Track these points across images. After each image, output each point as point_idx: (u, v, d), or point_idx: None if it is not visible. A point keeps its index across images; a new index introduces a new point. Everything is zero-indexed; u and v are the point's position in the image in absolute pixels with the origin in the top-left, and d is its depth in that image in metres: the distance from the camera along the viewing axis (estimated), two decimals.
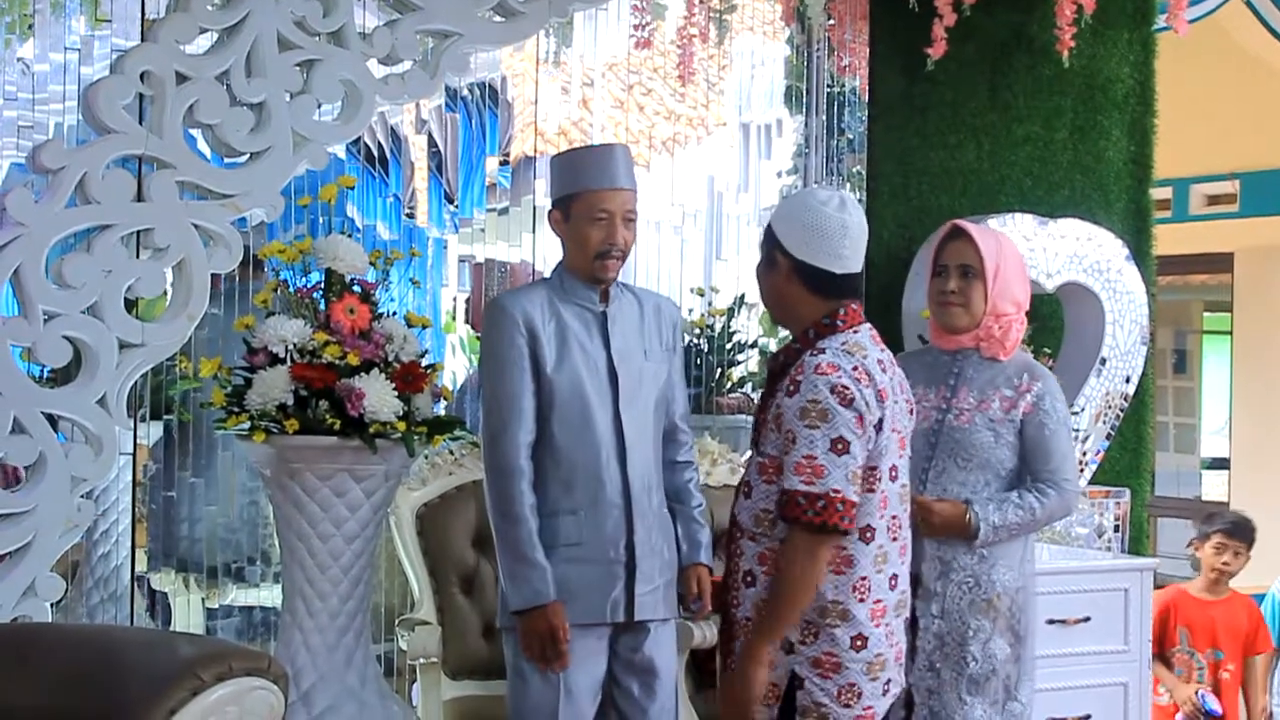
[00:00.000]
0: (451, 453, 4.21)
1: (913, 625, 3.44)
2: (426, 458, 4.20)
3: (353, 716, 3.74)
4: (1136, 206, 5.63)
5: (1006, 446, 3.47)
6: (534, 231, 4.89)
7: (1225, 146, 8.19)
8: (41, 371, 3.83)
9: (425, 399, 3.83)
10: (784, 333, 3.28)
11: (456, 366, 4.92)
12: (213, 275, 3.80)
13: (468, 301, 4.91)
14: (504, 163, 4.95)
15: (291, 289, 3.82)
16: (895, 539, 2.96)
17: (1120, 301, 5.19)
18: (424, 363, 3.88)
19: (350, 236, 3.99)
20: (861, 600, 2.91)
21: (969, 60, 5.30)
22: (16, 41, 4.17)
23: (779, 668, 2.95)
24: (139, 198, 3.72)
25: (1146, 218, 5.65)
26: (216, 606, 4.42)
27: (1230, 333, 9.23)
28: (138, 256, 3.76)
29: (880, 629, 2.94)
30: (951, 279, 3.50)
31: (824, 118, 5.36)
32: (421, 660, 4.00)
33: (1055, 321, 5.30)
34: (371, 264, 3.90)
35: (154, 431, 4.33)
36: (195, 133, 3.86)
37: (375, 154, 4.72)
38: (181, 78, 3.73)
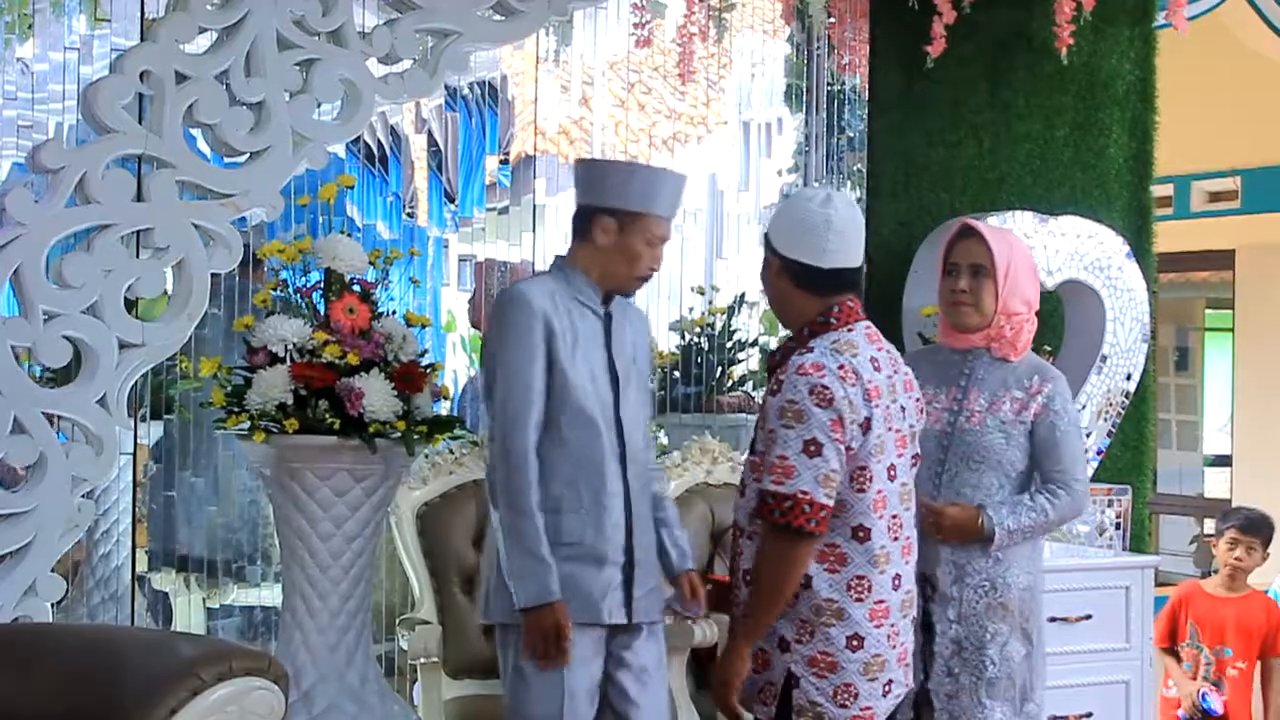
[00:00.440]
0: (452, 452, 4.21)
1: (927, 629, 3.45)
2: (426, 457, 4.20)
3: (353, 716, 3.74)
4: (1137, 204, 5.63)
5: (1018, 448, 3.46)
6: (534, 230, 4.89)
7: (1226, 143, 8.19)
8: (41, 371, 3.83)
9: (425, 398, 3.83)
10: (785, 331, 3.27)
11: (457, 366, 4.91)
12: (213, 275, 3.80)
13: (470, 302, 4.91)
14: (504, 162, 4.95)
15: (291, 288, 3.82)
16: (897, 538, 2.95)
17: (1121, 299, 5.19)
18: (424, 362, 3.88)
19: (350, 236, 4.00)
20: (859, 600, 2.91)
21: (969, 58, 5.29)
22: (16, 41, 4.18)
23: (775, 666, 2.95)
24: (139, 197, 3.71)
25: (1147, 215, 5.65)
26: (217, 606, 4.42)
27: (1232, 330, 9.22)
28: (138, 256, 3.76)
29: (881, 629, 2.93)
30: (962, 278, 3.49)
31: (824, 116, 5.37)
32: (422, 660, 4.00)
33: (1056, 319, 5.30)
34: (371, 263, 3.90)
35: (154, 431, 4.34)
36: (195, 132, 3.86)
37: (375, 153, 4.73)
38: (181, 77, 3.73)
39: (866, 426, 2.88)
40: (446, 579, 4.10)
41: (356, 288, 3.83)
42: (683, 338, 5.20)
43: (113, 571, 4.23)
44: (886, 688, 2.95)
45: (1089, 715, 4.47)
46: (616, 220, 3.27)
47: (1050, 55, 5.13)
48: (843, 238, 2.98)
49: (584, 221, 3.31)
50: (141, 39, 3.96)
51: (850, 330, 2.97)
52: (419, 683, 4.13)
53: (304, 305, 3.82)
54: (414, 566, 4.12)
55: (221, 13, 3.78)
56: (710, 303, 5.22)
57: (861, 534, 2.90)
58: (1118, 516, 5.15)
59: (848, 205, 3.03)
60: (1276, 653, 5.15)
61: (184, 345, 3.89)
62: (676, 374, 5.15)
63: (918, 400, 3.09)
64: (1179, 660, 5.19)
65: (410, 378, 3.77)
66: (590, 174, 3.35)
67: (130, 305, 3.75)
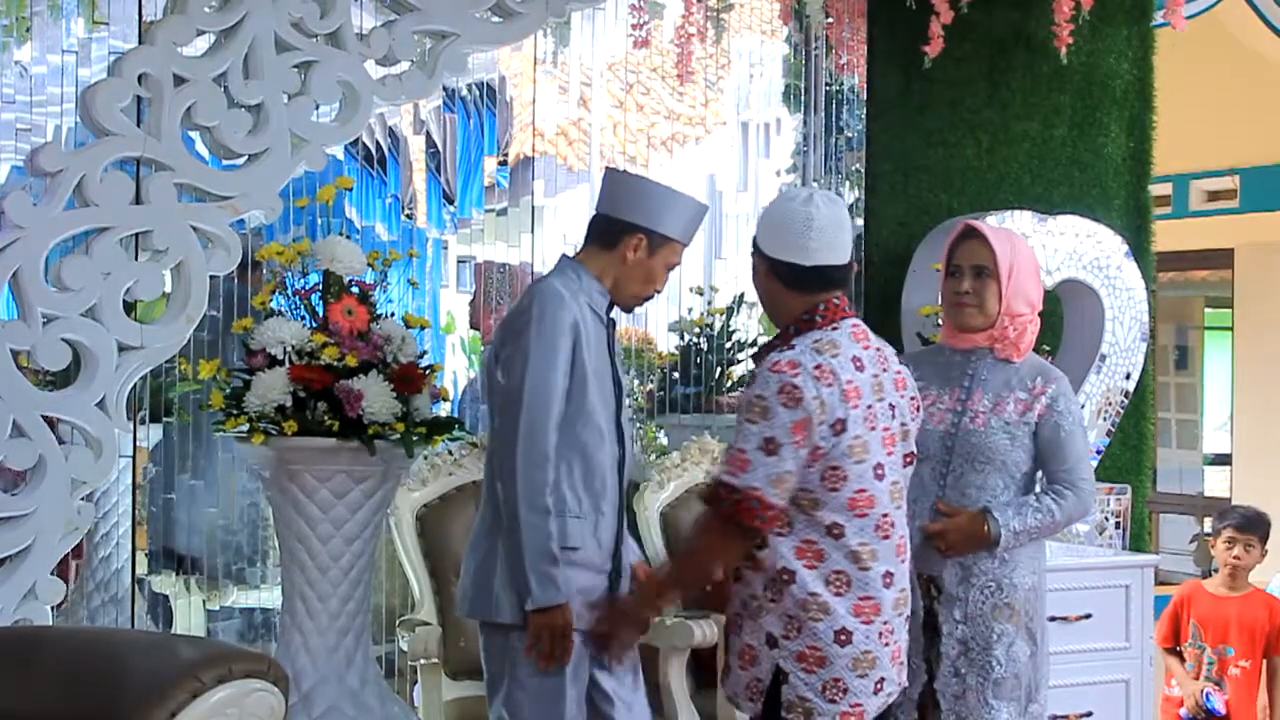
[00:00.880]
0: (451, 453, 4.22)
1: (933, 630, 3.45)
2: (426, 458, 4.20)
3: (353, 718, 3.75)
4: (1136, 203, 5.63)
5: (1022, 449, 3.46)
6: (532, 231, 4.89)
7: (1225, 142, 8.19)
8: (41, 374, 3.83)
9: (424, 400, 3.83)
10: None
11: (456, 367, 4.91)
12: (211, 277, 3.80)
13: (470, 304, 4.91)
14: (502, 163, 4.95)
15: (290, 291, 3.83)
16: (888, 537, 2.94)
17: (1120, 298, 5.19)
18: (422, 364, 3.88)
19: (349, 237, 4.00)
20: (839, 594, 2.90)
21: (967, 57, 5.30)
22: (14, 44, 4.18)
23: (762, 662, 2.95)
24: (137, 200, 3.72)
25: (1146, 214, 5.66)
26: (217, 608, 4.42)
27: (1231, 328, 9.22)
28: (136, 259, 3.76)
29: (871, 626, 2.92)
30: (965, 279, 3.49)
31: (822, 116, 5.37)
32: (422, 661, 4.01)
33: (1055, 319, 5.30)
34: (370, 265, 3.90)
35: (154, 434, 4.33)
36: (193, 135, 3.86)
37: (373, 155, 4.72)
38: (179, 80, 3.74)
39: (841, 428, 2.87)
40: (446, 580, 4.10)
41: (355, 289, 3.83)
42: (682, 338, 5.20)
43: (112, 574, 4.23)
44: (878, 685, 2.94)
45: (1089, 714, 4.48)
46: (649, 240, 3.28)
47: (1048, 55, 5.14)
48: (825, 235, 2.97)
49: (612, 233, 3.29)
50: (139, 42, 3.96)
51: (835, 329, 2.96)
52: (419, 684, 4.13)
53: (303, 307, 3.83)
54: (413, 568, 4.12)
55: (219, 15, 3.78)
56: (709, 303, 5.22)
57: (835, 531, 2.90)
58: (1117, 515, 5.15)
59: (830, 203, 3.02)
60: (1278, 652, 5.15)
61: (183, 347, 3.89)
62: (675, 374, 5.16)
63: (913, 398, 3.08)
64: (1182, 660, 5.19)
65: (409, 379, 3.77)
66: (628, 189, 3.33)
67: (129, 308, 3.76)
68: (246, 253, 3.92)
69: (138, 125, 3.72)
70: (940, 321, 3.78)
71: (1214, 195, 8.65)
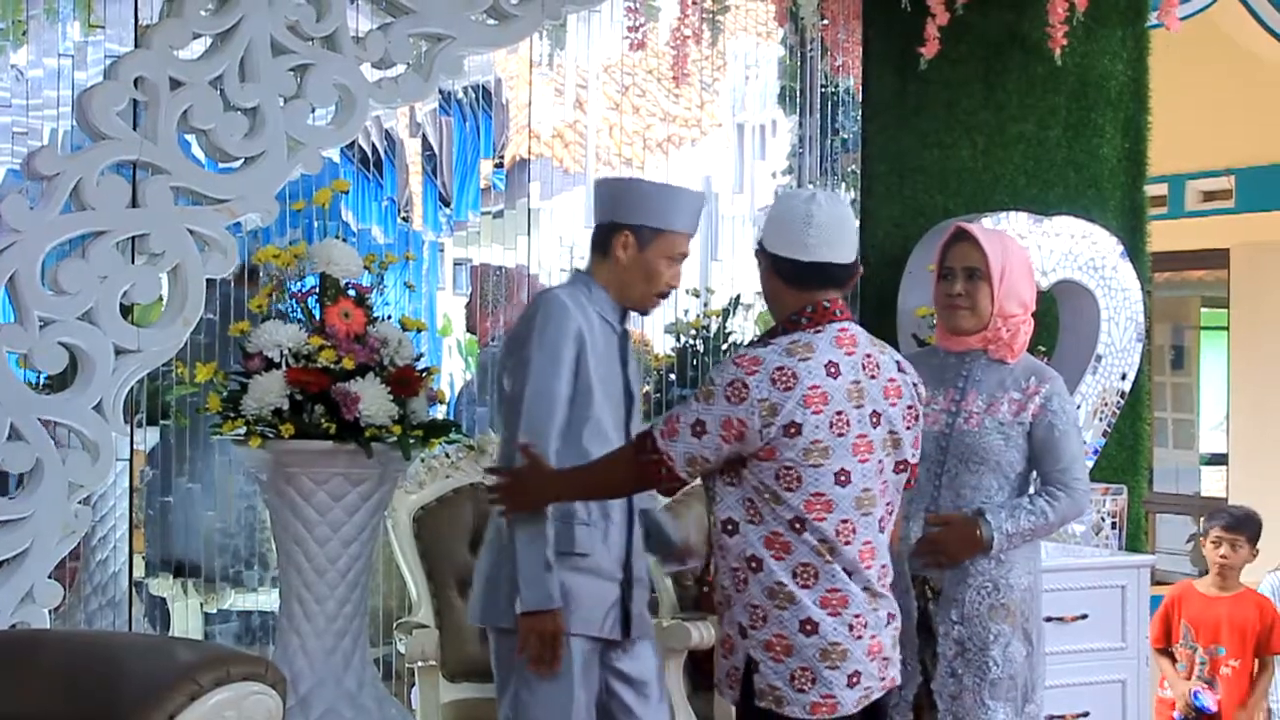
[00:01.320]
0: (448, 455, 4.22)
1: (929, 631, 3.46)
2: (423, 461, 4.20)
3: None
4: (1131, 203, 5.64)
5: (1016, 449, 3.47)
6: (529, 234, 4.89)
7: (1221, 142, 8.20)
8: (38, 378, 3.83)
9: (421, 402, 3.84)
10: None
11: (452, 369, 4.91)
12: (208, 280, 3.80)
13: (466, 307, 4.91)
14: (498, 165, 4.94)
15: (287, 294, 3.83)
16: (849, 543, 2.93)
17: (1115, 298, 5.20)
18: (419, 366, 3.88)
19: (345, 240, 4.00)
20: (805, 586, 2.90)
21: (962, 59, 5.31)
22: (10, 48, 4.17)
23: (737, 652, 2.97)
24: (134, 203, 3.72)
25: (1141, 214, 5.67)
26: (214, 611, 4.42)
27: (1227, 328, 9.23)
28: (133, 262, 3.77)
29: (839, 619, 2.90)
30: (957, 282, 3.50)
31: (818, 118, 5.37)
32: (420, 663, 4.01)
33: (1050, 319, 5.31)
34: (366, 268, 3.90)
35: (150, 437, 4.33)
36: (189, 138, 3.86)
37: (370, 158, 4.72)
38: (175, 83, 3.74)
39: (795, 431, 2.87)
40: (443, 582, 4.10)
41: (352, 292, 3.84)
42: (678, 340, 5.20)
43: (110, 577, 4.23)
44: (852, 679, 2.91)
45: (1085, 715, 4.48)
46: (636, 236, 3.28)
47: (1043, 56, 5.15)
48: (824, 231, 2.97)
49: (604, 238, 3.32)
50: (135, 45, 3.97)
51: (818, 332, 2.95)
52: (416, 686, 4.13)
53: (299, 310, 3.83)
54: (411, 570, 4.13)
55: (215, 18, 3.79)
56: (705, 305, 5.22)
57: (798, 525, 2.90)
58: (1113, 516, 5.16)
59: (834, 203, 3.02)
60: (1270, 650, 5.16)
61: (180, 350, 3.90)
62: (672, 376, 5.16)
63: (909, 406, 3.03)
64: (1174, 661, 5.20)
65: (406, 382, 3.78)
66: (610, 192, 3.37)
67: (126, 311, 3.76)
68: (243, 256, 3.92)
69: (134, 129, 3.72)
70: (935, 323, 3.79)
71: (1209, 195, 8.66)
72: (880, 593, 2.98)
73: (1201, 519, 5.44)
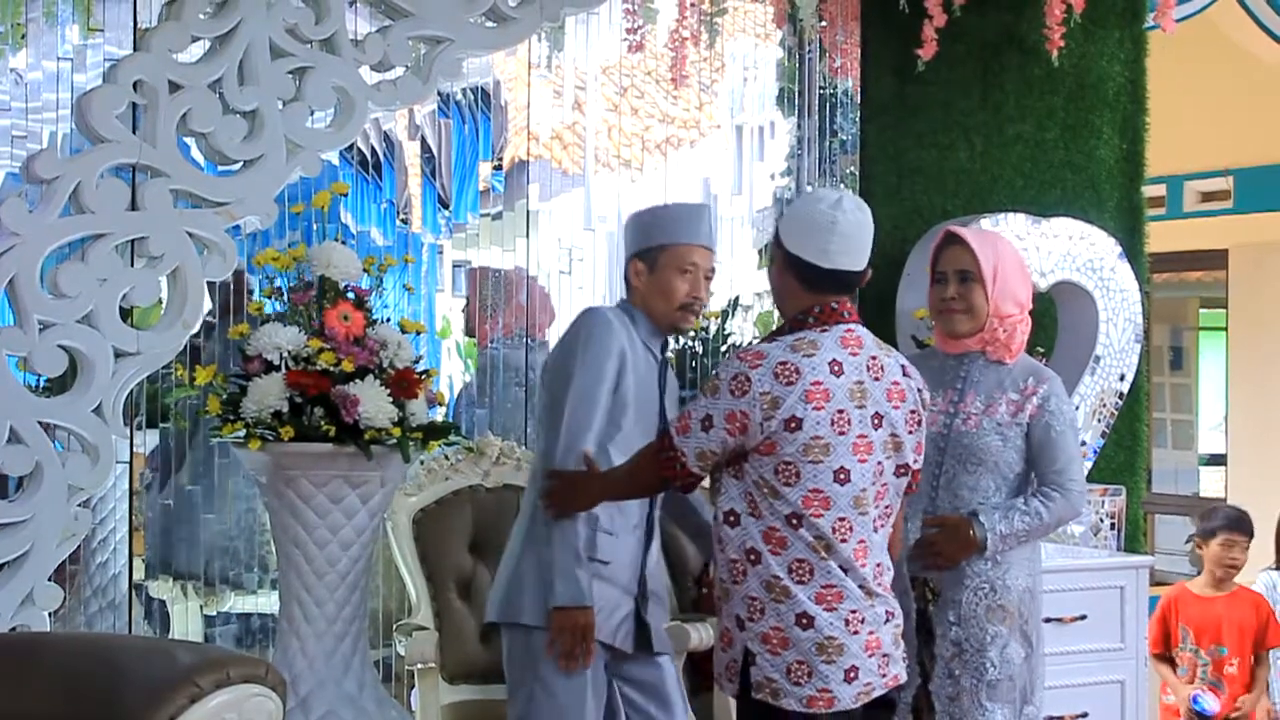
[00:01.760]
0: (447, 458, 4.22)
1: (927, 632, 3.46)
2: (422, 463, 4.21)
3: None
4: (1129, 204, 5.65)
5: (1014, 450, 3.47)
6: (527, 236, 4.90)
7: (1219, 143, 8.20)
8: (38, 381, 3.83)
9: (420, 405, 3.84)
10: None
11: (452, 371, 4.92)
12: (208, 283, 3.81)
13: (464, 311, 4.91)
14: (497, 167, 4.95)
15: (286, 296, 3.83)
16: (845, 540, 2.94)
17: (1114, 299, 5.21)
18: (419, 368, 3.89)
19: (345, 243, 4.00)
20: (801, 581, 2.92)
21: (960, 61, 5.32)
22: (9, 51, 4.17)
23: (735, 644, 3.00)
24: (133, 206, 3.73)
25: (1139, 215, 5.67)
26: (214, 614, 4.42)
27: (1225, 329, 9.24)
28: (132, 265, 3.77)
29: (835, 614, 2.92)
30: (951, 285, 3.51)
31: (816, 119, 5.38)
32: (419, 665, 4.01)
33: (1049, 320, 5.31)
34: (365, 270, 3.91)
35: (150, 440, 4.34)
36: (189, 141, 3.86)
37: (369, 160, 4.73)
38: (174, 86, 3.75)
39: (796, 425, 2.89)
40: (443, 585, 4.10)
41: (351, 295, 3.84)
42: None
43: (110, 580, 4.23)
44: (849, 674, 2.93)
45: (1084, 715, 4.48)
46: (644, 261, 3.41)
47: (1041, 57, 5.16)
48: (847, 240, 3.01)
49: (625, 274, 3.47)
50: (134, 48, 3.97)
51: (824, 331, 2.99)
52: (416, 688, 4.13)
53: (299, 313, 3.83)
54: (410, 572, 4.13)
55: (214, 21, 3.79)
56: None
57: (795, 521, 2.92)
58: (1112, 516, 5.16)
59: (857, 209, 3.05)
60: (1266, 646, 5.16)
61: (179, 353, 3.90)
62: None
63: (912, 411, 3.05)
64: (1173, 666, 5.19)
65: (405, 384, 3.78)
66: (626, 229, 3.52)
67: (125, 314, 3.76)
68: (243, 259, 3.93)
69: (133, 132, 3.73)
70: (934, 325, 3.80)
71: (1208, 196, 8.67)
72: (877, 591, 2.99)
73: (1197, 522, 5.44)
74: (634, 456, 3.21)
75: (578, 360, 3.31)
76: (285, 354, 3.72)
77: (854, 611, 2.95)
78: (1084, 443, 5.07)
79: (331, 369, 3.70)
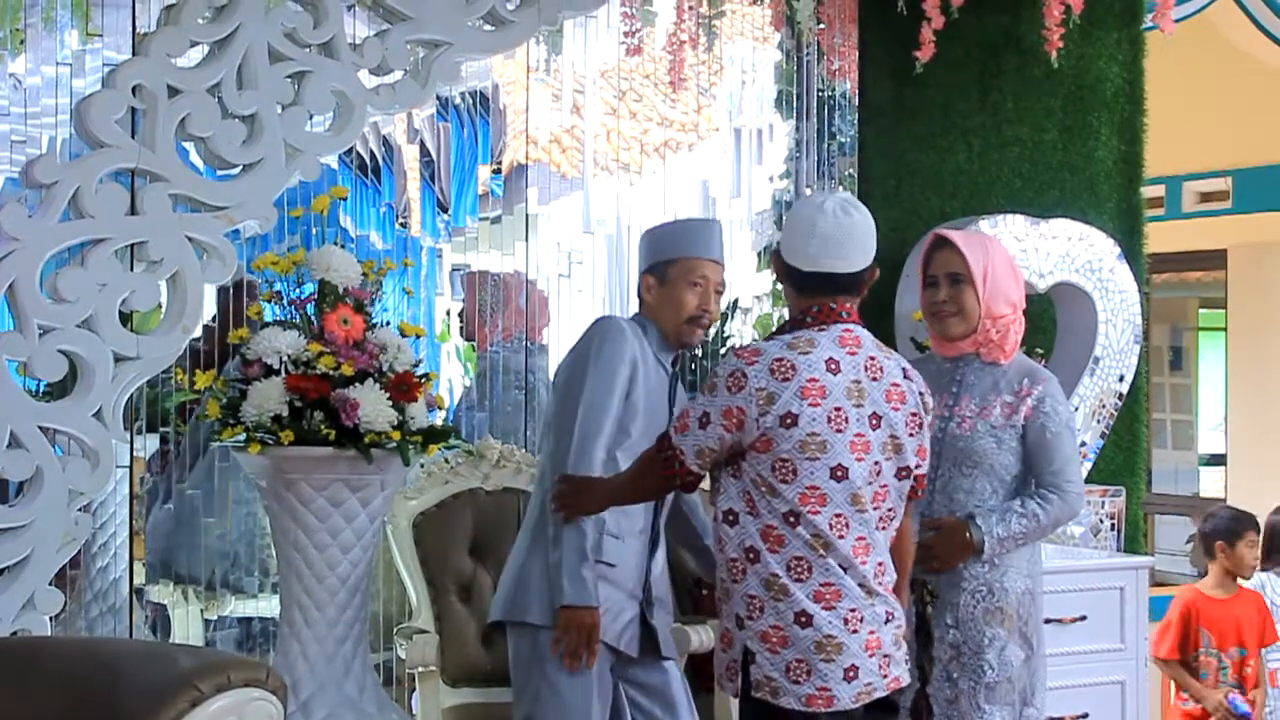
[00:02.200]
0: (447, 461, 4.22)
1: (926, 635, 3.46)
2: (422, 467, 4.21)
3: None
4: (1128, 205, 5.65)
5: (1010, 452, 3.47)
6: (526, 239, 4.90)
7: (1217, 143, 8.21)
8: (38, 386, 3.84)
9: (420, 408, 3.84)
10: None
11: (451, 375, 4.92)
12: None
13: (461, 314, 4.91)
14: (496, 171, 4.95)
15: (285, 300, 3.84)
16: (843, 537, 2.95)
17: (1113, 300, 5.21)
18: (418, 372, 3.89)
19: (344, 247, 4.01)
20: (799, 579, 2.92)
21: (958, 62, 5.32)
22: (8, 56, 4.18)
23: (735, 644, 3.01)
24: (132, 211, 3.73)
25: (1138, 216, 5.67)
26: (215, 618, 4.42)
27: (1225, 329, 9.24)
28: (132, 269, 3.77)
29: (833, 613, 2.92)
30: (942, 289, 3.52)
31: (815, 122, 5.38)
32: (420, 668, 4.01)
33: (1048, 322, 5.32)
34: (365, 274, 3.91)
35: (150, 444, 4.34)
36: (188, 145, 3.87)
37: (368, 164, 4.73)
38: (173, 91, 3.75)
39: (792, 421, 2.90)
40: (443, 588, 4.11)
41: (350, 299, 3.84)
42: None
43: (110, 584, 4.23)
44: (849, 673, 2.93)
45: (1084, 716, 4.49)
46: (655, 275, 3.48)
47: (1039, 59, 5.15)
48: (826, 243, 3.01)
49: (638, 290, 3.54)
50: (133, 53, 3.97)
51: (822, 329, 3.00)
52: (417, 691, 4.13)
53: (298, 317, 3.84)
54: (411, 576, 4.13)
55: (213, 26, 3.80)
56: None
57: (792, 519, 2.93)
58: (1111, 517, 5.16)
59: (844, 211, 3.05)
60: (1266, 642, 5.18)
61: (179, 357, 3.90)
62: None
63: (912, 414, 3.06)
64: (1193, 671, 5.16)
65: (405, 388, 3.78)
66: (639, 246, 3.58)
67: (125, 318, 3.76)
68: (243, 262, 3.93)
69: (132, 136, 3.73)
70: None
71: (1206, 196, 8.67)
72: (877, 590, 2.99)
73: (1201, 523, 5.43)
74: (636, 460, 3.23)
75: (590, 366, 3.36)
76: (285, 358, 3.72)
77: (853, 610, 2.94)
78: (1083, 443, 5.08)
79: (331, 373, 3.71)
